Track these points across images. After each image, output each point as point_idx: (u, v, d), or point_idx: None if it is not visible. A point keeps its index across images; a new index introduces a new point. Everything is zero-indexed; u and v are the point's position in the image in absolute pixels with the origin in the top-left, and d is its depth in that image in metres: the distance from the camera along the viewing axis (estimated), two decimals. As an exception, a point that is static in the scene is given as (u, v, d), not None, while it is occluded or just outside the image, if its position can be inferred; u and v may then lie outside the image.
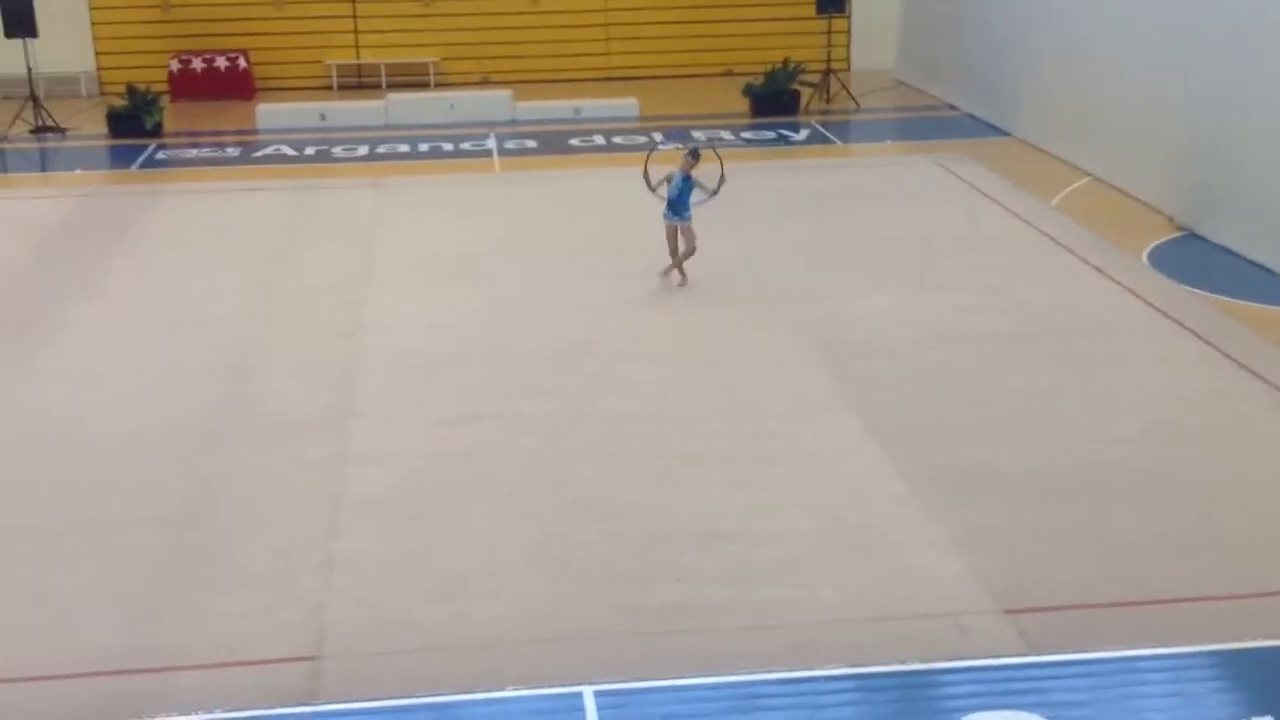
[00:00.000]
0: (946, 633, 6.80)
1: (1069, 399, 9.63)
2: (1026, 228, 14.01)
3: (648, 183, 12.14)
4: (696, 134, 19.28)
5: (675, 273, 12.16)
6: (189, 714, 6.11)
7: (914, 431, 9.10)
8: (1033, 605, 7.03)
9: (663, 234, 12.13)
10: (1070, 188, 15.66)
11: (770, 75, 20.72)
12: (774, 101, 20.55)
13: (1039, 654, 6.59)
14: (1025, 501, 8.13)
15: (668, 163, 12.44)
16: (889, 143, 19.37)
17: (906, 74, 23.09)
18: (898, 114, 21.33)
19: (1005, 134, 18.66)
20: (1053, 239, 13.52)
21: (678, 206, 11.96)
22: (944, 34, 21.25)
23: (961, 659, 6.56)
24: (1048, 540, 7.68)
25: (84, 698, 6.34)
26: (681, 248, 12.05)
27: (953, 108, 20.73)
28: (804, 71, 21.02)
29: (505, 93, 21.28)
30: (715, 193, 12.11)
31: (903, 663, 6.50)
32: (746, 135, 19.37)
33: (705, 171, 12.14)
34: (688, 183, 11.93)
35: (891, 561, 7.47)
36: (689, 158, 12.04)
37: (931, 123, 20.18)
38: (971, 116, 19.97)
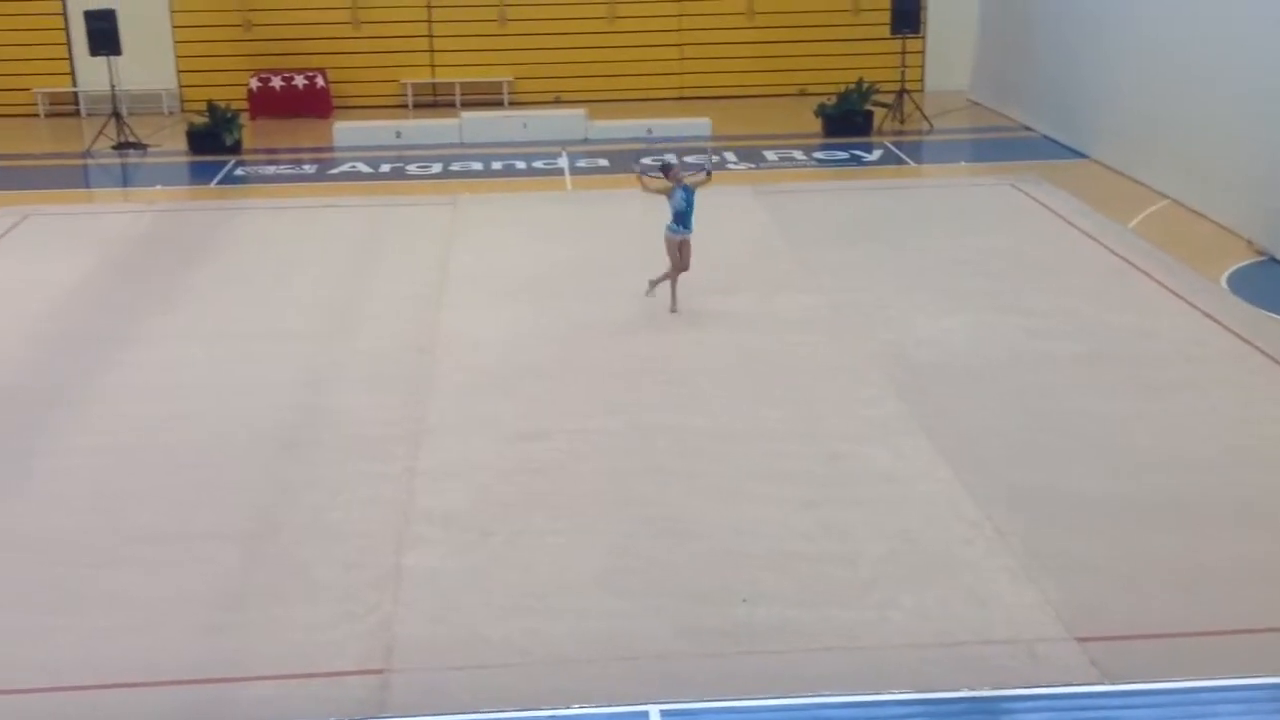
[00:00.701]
0: (1018, 659, 6.72)
1: (1146, 424, 9.49)
2: (1103, 251, 13.83)
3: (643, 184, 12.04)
4: (768, 154, 19.27)
5: (666, 288, 11.99)
6: (260, 724, 6.18)
7: (987, 454, 9.00)
8: (1106, 633, 6.93)
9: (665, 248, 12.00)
10: (1148, 210, 15.44)
11: (843, 95, 20.66)
12: (847, 122, 20.47)
13: (1111, 683, 6.49)
14: (1100, 527, 8.01)
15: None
16: (963, 164, 19.23)
17: (981, 95, 22.91)
18: (972, 135, 21.18)
19: (1082, 156, 18.45)
20: (1130, 262, 13.34)
21: (686, 219, 11.88)
22: (1020, 55, 21.07)
23: (1032, 687, 6.48)
24: (1123, 567, 7.56)
25: (158, 705, 6.43)
26: (684, 263, 11.94)
27: (1028, 129, 20.53)
28: (877, 92, 20.93)
29: (578, 111, 21.39)
30: (708, 173, 12.02)
31: (972, 689, 6.42)
32: (819, 156, 19.31)
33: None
34: (690, 192, 11.87)
35: (963, 586, 7.39)
36: (680, 170, 11.95)
37: (1007, 144, 20.00)
38: (1047, 138, 19.77)
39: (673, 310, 11.95)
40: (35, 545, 7.99)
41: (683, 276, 11.98)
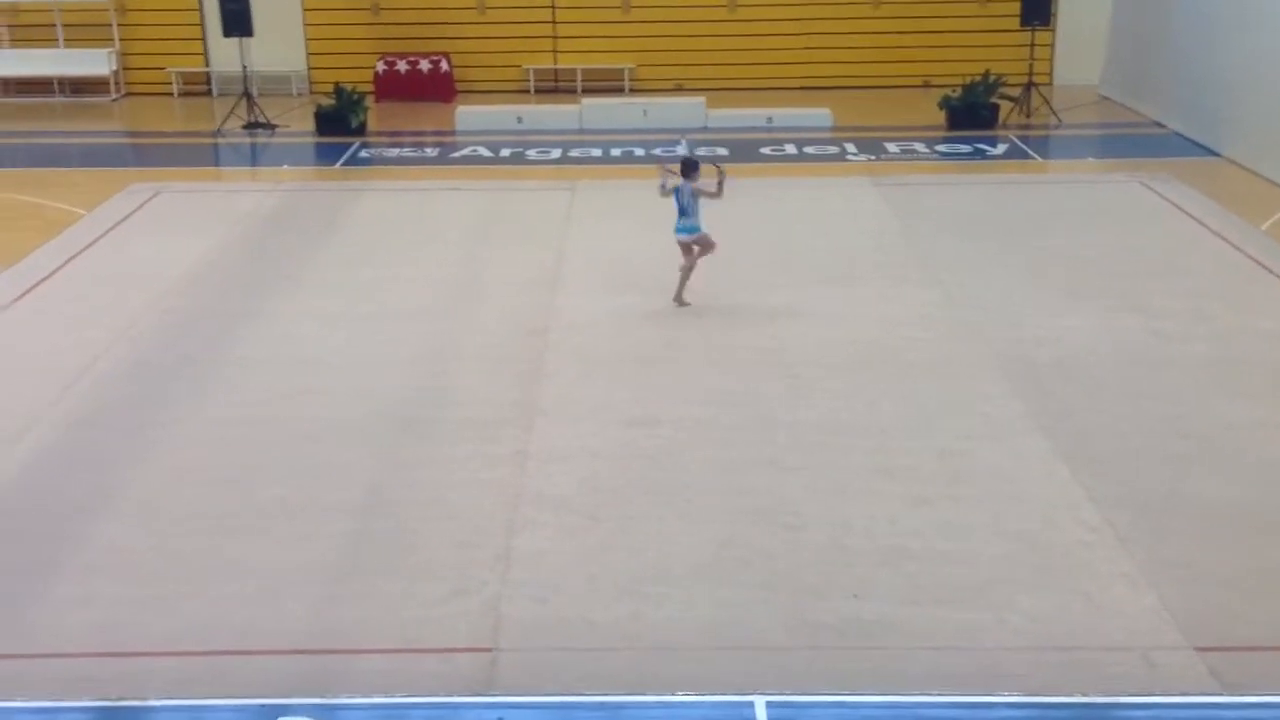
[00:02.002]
0: (1133, 667, 6.58)
1: (1275, 432, 9.21)
2: (1234, 252, 13.45)
3: (663, 185, 11.83)
4: (890, 146, 19.06)
5: (680, 294, 11.85)
6: (369, 696, 6.29)
7: (1108, 457, 8.82)
8: (1227, 644, 6.75)
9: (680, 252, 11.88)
10: (1283, 212, 15.00)
11: (968, 87, 20.33)
12: (971, 114, 20.15)
13: (1230, 694, 6.32)
14: (1225, 535, 7.80)
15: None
16: (1091, 160, 18.82)
17: (1111, 89, 22.40)
18: (1101, 130, 20.72)
19: (1214, 154, 17.94)
20: (1261, 264, 12.95)
21: (686, 220, 11.71)
22: (1154, 48, 20.55)
23: (1147, 695, 6.34)
24: (1248, 577, 7.35)
25: (276, 673, 6.58)
26: (689, 262, 11.80)
27: (1159, 125, 20.03)
28: (1004, 84, 20.57)
29: (698, 99, 21.36)
30: (718, 193, 11.80)
31: (1085, 695, 6.30)
32: (941, 148, 19.05)
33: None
34: (684, 192, 11.70)
35: (1079, 590, 7.25)
36: (690, 169, 11.76)
37: (1136, 140, 19.54)
38: (1179, 135, 19.26)
39: (676, 300, 11.85)
40: (160, 514, 8.22)
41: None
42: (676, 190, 11.76)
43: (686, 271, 11.90)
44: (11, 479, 8.73)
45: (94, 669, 6.61)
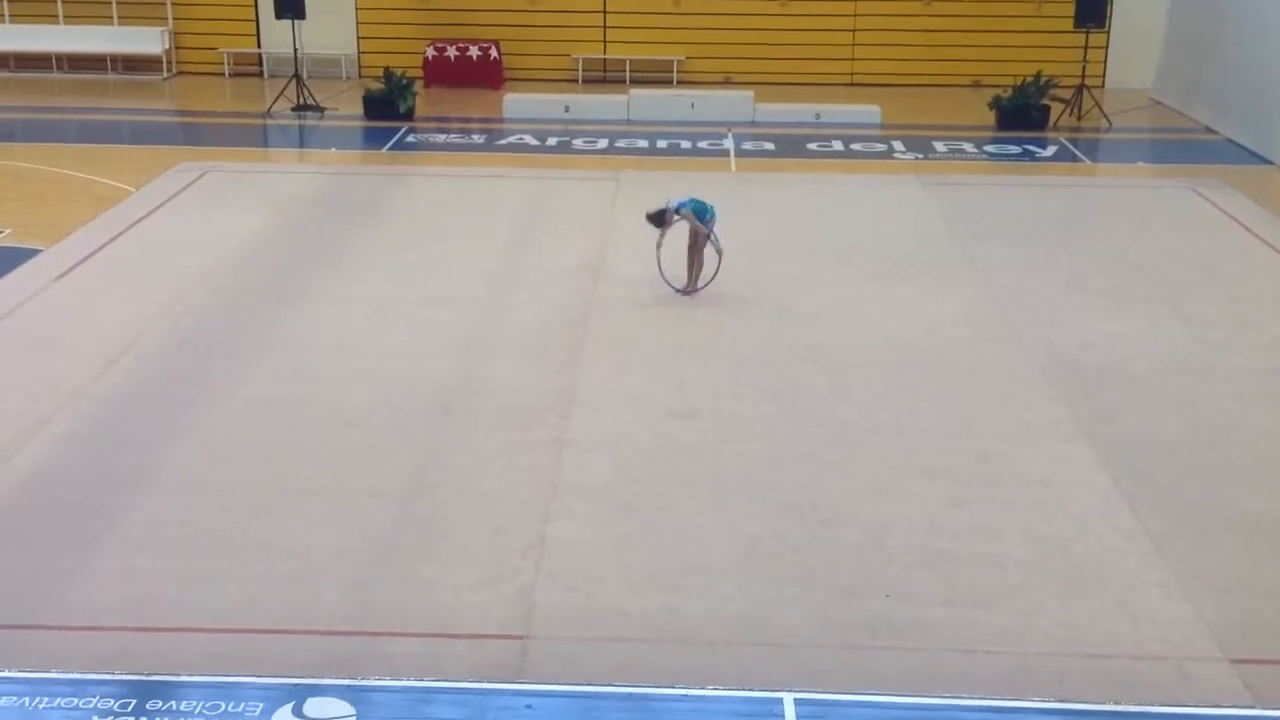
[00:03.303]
0: (1166, 676, 6.51)
1: (1321, 445, 9.10)
2: (1285, 261, 13.29)
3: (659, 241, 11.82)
4: (938, 145, 18.95)
5: (691, 275, 11.92)
6: (401, 679, 6.32)
7: (1149, 466, 8.73)
8: (1262, 656, 6.68)
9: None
10: (1336, 222, 14.78)
11: (1019, 88, 20.16)
12: (1021, 115, 19.99)
13: (1264, 708, 6.25)
14: (1265, 549, 7.71)
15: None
16: (1141, 164, 18.64)
17: (1165, 94, 22.16)
18: (1153, 135, 20.51)
19: (1268, 162, 17.71)
20: (1313, 275, 12.80)
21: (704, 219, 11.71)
22: (1209, 53, 20.30)
23: (1179, 705, 6.27)
24: (1286, 591, 7.27)
25: (308, 653, 6.62)
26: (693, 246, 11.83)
27: (1212, 131, 19.80)
28: (1056, 86, 20.39)
29: (747, 93, 21.30)
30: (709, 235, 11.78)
31: (1116, 703, 6.25)
32: (989, 149, 18.92)
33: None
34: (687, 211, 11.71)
35: (1114, 598, 7.19)
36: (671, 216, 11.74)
37: (1189, 146, 19.33)
38: (1232, 142, 19.03)
39: (685, 290, 11.91)
40: (199, 492, 8.29)
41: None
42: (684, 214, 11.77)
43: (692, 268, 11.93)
44: (53, 453, 8.82)
45: (129, 643, 6.68)
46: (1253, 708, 6.27)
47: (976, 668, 6.55)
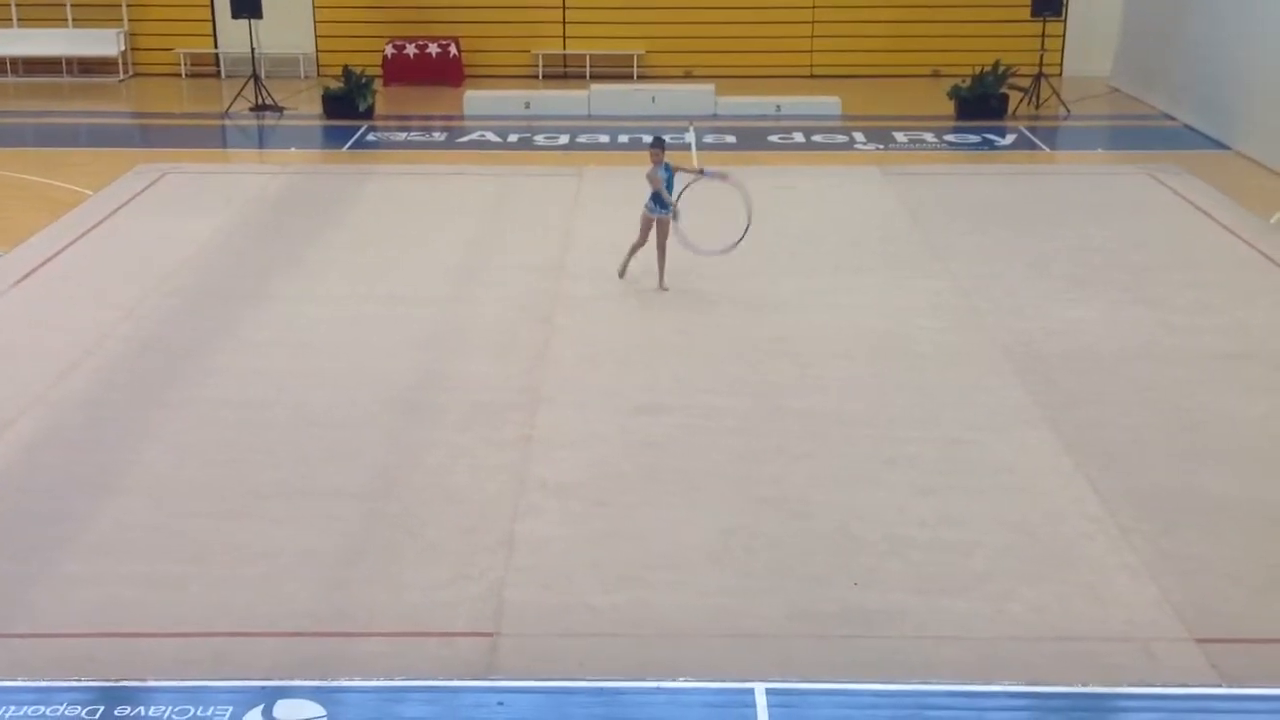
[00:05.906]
0: (1133, 657, 6.58)
1: (1281, 426, 9.20)
2: (1244, 246, 13.41)
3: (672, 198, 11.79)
4: (898, 135, 19.02)
5: (651, 275, 11.88)
6: (371, 679, 6.29)
7: (1113, 450, 8.79)
8: (1227, 636, 6.75)
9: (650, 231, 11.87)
10: (1293, 206, 14.94)
11: (978, 77, 20.26)
12: (980, 104, 20.09)
13: (1229, 686, 6.32)
14: (1228, 530, 7.79)
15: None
16: (1100, 151, 18.77)
17: (1122, 81, 22.32)
18: (1111, 122, 20.65)
19: (1225, 148, 17.88)
20: (1270, 258, 12.91)
21: (662, 198, 11.70)
22: (1165, 41, 20.46)
23: (1146, 685, 6.33)
24: (1251, 571, 7.34)
25: (277, 655, 6.58)
26: (657, 241, 11.80)
27: (1170, 118, 19.96)
28: (1014, 75, 20.50)
29: (707, 87, 21.31)
30: (701, 172, 11.83)
31: (1084, 685, 6.30)
32: (950, 138, 19.00)
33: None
34: (670, 172, 11.70)
35: (1080, 581, 7.24)
36: (655, 149, 11.76)
37: (1146, 132, 19.48)
38: (1189, 128, 19.19)
39: (661, 287, 11.87)
40: (164, 494, 8.23)
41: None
42: (659, 170, 11.70)
43: (636, 249, 11.95)
44: (16, 458, 8.73)
45: (96, 649, 6.62)
46: (1219, 686, 6.33)
47: (946, 654, 6.59)
